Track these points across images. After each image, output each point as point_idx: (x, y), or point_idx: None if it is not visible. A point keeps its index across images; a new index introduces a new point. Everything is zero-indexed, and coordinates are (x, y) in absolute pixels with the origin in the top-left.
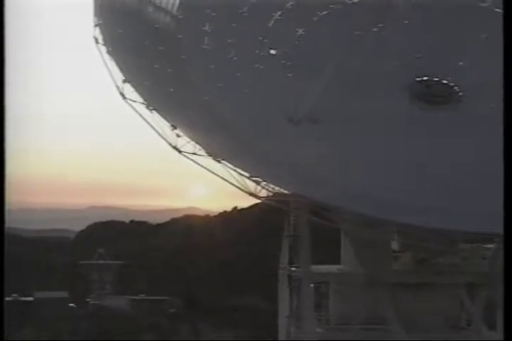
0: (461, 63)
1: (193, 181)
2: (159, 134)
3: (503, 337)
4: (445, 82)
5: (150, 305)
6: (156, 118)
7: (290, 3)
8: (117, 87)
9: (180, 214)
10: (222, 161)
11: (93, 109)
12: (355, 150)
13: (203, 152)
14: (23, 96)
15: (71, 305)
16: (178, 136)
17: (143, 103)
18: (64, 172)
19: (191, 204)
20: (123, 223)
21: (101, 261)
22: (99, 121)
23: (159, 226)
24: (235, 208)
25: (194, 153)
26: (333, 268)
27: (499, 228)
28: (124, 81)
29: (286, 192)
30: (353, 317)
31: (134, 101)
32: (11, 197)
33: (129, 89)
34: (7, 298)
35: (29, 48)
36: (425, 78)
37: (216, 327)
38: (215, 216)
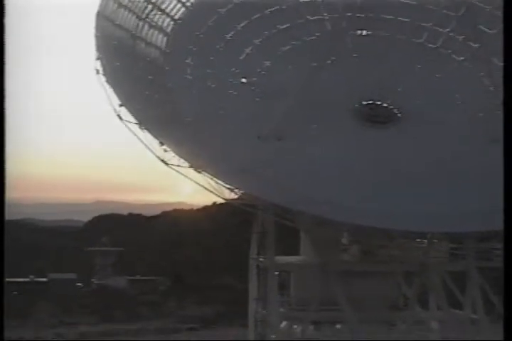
0: (399, 89)
1: (181, 181)
2: (150, 149)
3: (435, 316)
4: (386, 105)
5: (144, 284)
6: (146, 136)
7: (259, 40)
8: (115, 110)
9: (170, 208)
10: (202, 172)
11: (92, 111)
12: (314, 162)
13: (186, 164)
14: (23, 97)
15: (79, 284)
16: (165, 150)
17: (136, 123)
18: (71, 172)
19: (179, 199)
20: (122, 215)
21: (104, 248)
22: (99, 124)
23: (152, 218)
24: (214, 203)
25: (178, 165)
26: (293, 258)
27: (429, 227)
28: (121, 105)
29: (254, 197)
30: (310, 299)
31: (129, 122)
32: (28, 194)
33: (124, 112)
34: (25, 279)
35: (29, 49)
36: (370, 102)
37: (198, 303)
38: (198, 209)
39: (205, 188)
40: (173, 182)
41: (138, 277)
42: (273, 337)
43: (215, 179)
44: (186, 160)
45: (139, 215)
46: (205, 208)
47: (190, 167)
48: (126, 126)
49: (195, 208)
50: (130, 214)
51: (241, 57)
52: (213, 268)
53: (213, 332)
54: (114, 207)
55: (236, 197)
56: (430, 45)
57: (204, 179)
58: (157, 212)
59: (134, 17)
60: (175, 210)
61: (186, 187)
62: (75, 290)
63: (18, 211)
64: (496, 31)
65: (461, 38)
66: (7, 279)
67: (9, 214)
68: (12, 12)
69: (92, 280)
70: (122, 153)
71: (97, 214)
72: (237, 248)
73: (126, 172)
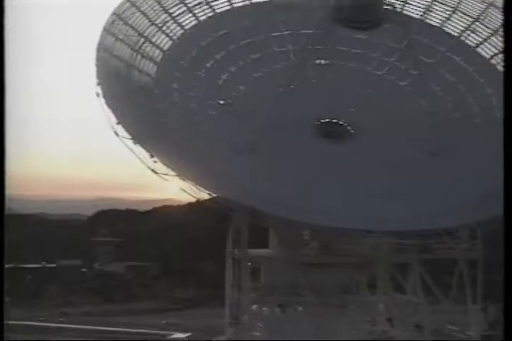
0: (352, 109)
1: (169, 182)
2: (141, 160)
3: (381, 299)
4: (341, 123)
5: (138, 269)
6: (139, 149)
7: (234, 68)
8: (112, 127)
9: (160, 204)
10: (186, 180)
11: (94, 127)
12: (281, 171)
13: (173, 173)
14: (23, 98)
15: (83, 269)
16: (154, 162)
17: (130, 138)
18: (77, 174)
19: (168, 197)
20: (120, 210)
21: (104, 238)
22: (102, 138)
23: (145, 213)
24: (197, 200)
25: (166, 174)
26: (263, 251)
27: (378, 227)
28: (118, 123)
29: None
30: (277, 286)
31: (124, 137)
32: (41, 192)
33: (120, 129)
34: (37, 265)
35: (30, 50)
36: (327, 120)
37: (184, 285)
38: (184, 205)
39: (189, 194)
40: (162, 183)
41: (133, 263)
42: (245, 317)
43: (197, 186)
44: (173, 169)
45: (134, 210)
46: (190, 204)
47: (176, 175)
48: (121, 140)
49: (180, 204)
50: (127, 210)
51: (219, 83)
52: (197, 257)
53: (195, 312)
54: (113, 203)
55: (214, 199)
56: (378, 72)
57: (187, 185)
58: (149, 207)
59: (129, 49)
60: (164, 206)
61: (173, 187)
62: (79, 275)
63: (33, 206)
64: (432, 60)
65: (403, 66)
66: (22, 265)
67: (25, 209)
68: (12, 13)
69: (95, 266)
70: (120, 160)
71: (98, 210)
72: (217, 239)
73: (124, 174)
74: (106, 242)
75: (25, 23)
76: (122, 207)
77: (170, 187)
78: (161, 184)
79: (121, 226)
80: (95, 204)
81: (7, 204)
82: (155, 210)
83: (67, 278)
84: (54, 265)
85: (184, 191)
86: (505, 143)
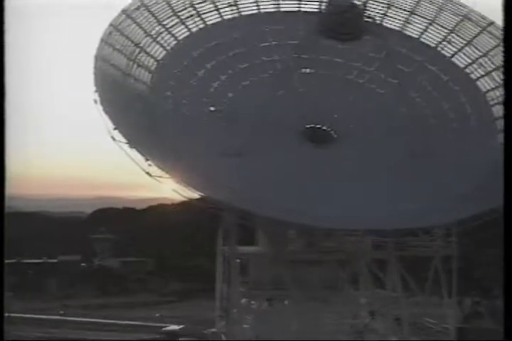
0: (335, 116)
1: (164, 183)
2: (137, 163)
3: (363, 294)
4: (324, 128)
5: (134, 265)
6: (135, 153)
7: (224, 76)
8: (109, 131)
9: (155, 203)
10: (179, 181)
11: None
12: (268, 173)
13: (166, 176)
14: (23, 98)
15: (82, 264)
16: (149, 165)
17: (126, 143)
18: (78, 174)
19: (163, 195)
20: (118, 209)
21: (103, 235)
22: (101, 141)
23: (142, 211)
24: (190, 200)
25: (160, 176)
26: (252, 248)
27: (358, 226)
28: (115, 129)
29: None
30: (264, 281)
31: (121, 141)
32: (44, 191)
33: (117, 134)
34: (39, 260)
35: (30, 50)
36: (312, 126)
37: (178, 280)
38: (178, 204)
39: (182, 195)
40: (158, 183)
41: (130, 259)
42: (235, 310)
43: (190, 188)
44: (167, 172)
45: (131, 209)
46: (184, 203)
47: (170, 178)
48: (118, 145)
49: (174, 203)
50: (124, 208)
51: (210, 90)
52: (190, 252)
53: (187, 304)
54: (112, 202)
55: (205, 199)
56: (359, 81)
57: (180, 186)
58: (145, 206)
59: (125, 58)
60: (160, 204)
61: (169, 187)
62: (79, 270)
63: (34, 205)
64: (410, 70)
65: (382, 75)
66: (25, 260)
67: (28, 207)
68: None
69: (94, 261)
70: (119, 160)
71: (97, 208)
72: (210, 236)
73: (122, 175)
74: (104, 239)
75: (26, 23)
76: (120, 206)
77: (165, 187)
78: (157, 184)
79: (119, 223)
80: (94, 203)
81: (8, 203)
82: (151, 209)
83: (67, 272)
84: (55, 260)
85: (176, 192)
86: (506, 143)
